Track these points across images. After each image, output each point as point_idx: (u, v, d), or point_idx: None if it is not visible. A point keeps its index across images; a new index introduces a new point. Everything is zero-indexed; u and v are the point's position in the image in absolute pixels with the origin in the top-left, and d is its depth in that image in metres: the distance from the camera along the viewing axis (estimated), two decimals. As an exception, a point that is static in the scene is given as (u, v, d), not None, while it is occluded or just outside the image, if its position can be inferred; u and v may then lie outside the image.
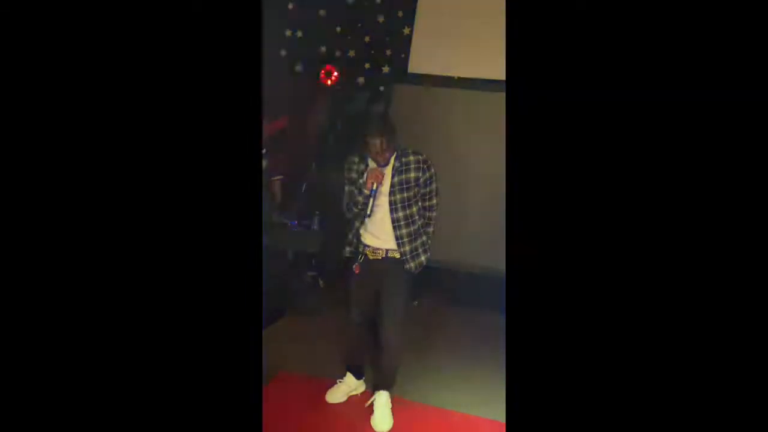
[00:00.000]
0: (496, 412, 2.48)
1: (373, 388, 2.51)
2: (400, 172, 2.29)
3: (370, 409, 2.41)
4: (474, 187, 4.05)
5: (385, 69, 4.51)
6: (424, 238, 2.41)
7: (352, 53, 4.58)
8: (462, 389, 2.75)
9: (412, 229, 2.36)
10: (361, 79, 4.55)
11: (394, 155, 2.31)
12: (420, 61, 4.39)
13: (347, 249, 2.48)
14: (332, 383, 2.56)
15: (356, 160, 2.40)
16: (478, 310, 4.01)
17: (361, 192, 2.31)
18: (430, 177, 2.36)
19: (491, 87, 4.16)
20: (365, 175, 2.30)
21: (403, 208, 2.31)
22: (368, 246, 2.38)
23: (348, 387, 2.56)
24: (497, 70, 4.21)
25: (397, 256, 2.36)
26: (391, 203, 2.29)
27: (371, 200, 2.27)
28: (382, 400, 2.41)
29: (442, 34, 4.33)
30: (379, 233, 2.36)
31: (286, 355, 2.77)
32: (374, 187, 2.26)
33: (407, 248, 2.35)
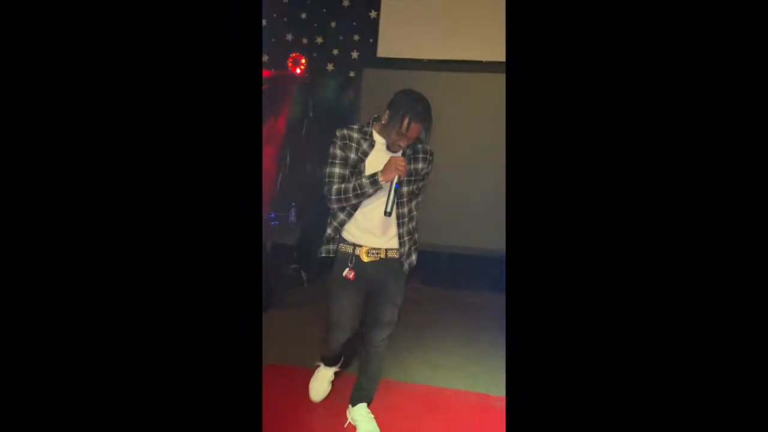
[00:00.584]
0: (488, 387, 2.54)
1: (352, 402, 2.17)
2: (409, 161, 1.91)
3: (351, 428, 2.13)
4: (453, 173, 4.06)
5: (354, 55, 4.46)
6: (416, 236, 2.08)
7: (319, 40, 4.51)
8: (451, 367, 2.78)
9: (411, 226, 2.03)
10: (330, 66, 4.49)
11: None
12: (389, 45, 4.35)
13: (324, 248, 2.02)
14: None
15: (355, 136, 1.93)
16: (458, 291, 4.06)
17: (375, 182, 1.85)
18: (429, 171, 2.01)
19: (469, 68, 4.17)
20: (382, 163, 1.84)
21: (408, 201, 1.98)
22: (360, 245, 1.97)
23: (327, 379, 2.33)
24: (469, 51, 4.22)
25: (396, 256, 2.00)
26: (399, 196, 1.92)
27: (392, 196, 1.82)
28: (363, 413, 2.12)
29: (409, 15, 4.29)
30: (378, 230, 1.96)
31: (274, 348, 2.74)
32: (397, 181, 1.82)
33: (407, 247, 2.02)
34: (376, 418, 2.12)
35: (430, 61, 4.28)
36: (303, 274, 3.94)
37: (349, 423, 2.13)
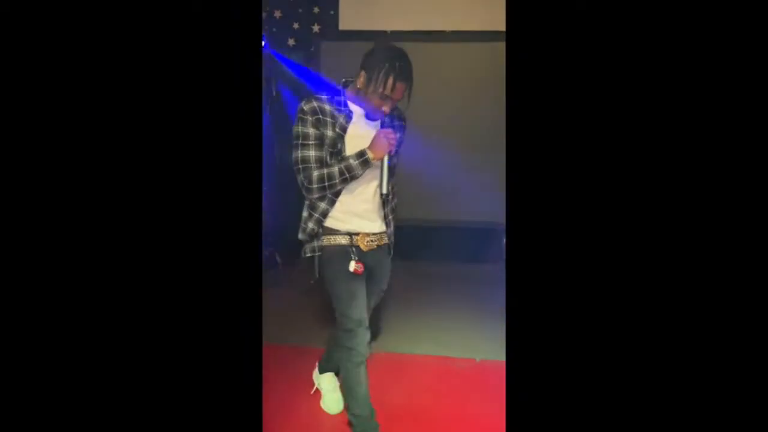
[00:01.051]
0: (454, 350, 2.57)
1: (320, 369, 2.07)
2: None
3: (318, 394, 2.07)
4: (435, 144, 4.03)
5: (315, 28, 4.32)
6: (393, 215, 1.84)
7: (278, 14, 4.35)
8: (416, 333, 2.83)
9: (394, 203, 1.79)
10: (291, 41, 4.35)
11: None
12: (351, 17, 4.23)
13: (308, 247, 1.70)
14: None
15: (327, 108, 1.58)
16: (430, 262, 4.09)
17: (365, 161, 1.57)
18: (402, 140, 1.75)
19: (436, 38, 4.10)
20: (365, 136, 1.60)
21: (392, 177, 1.69)
22: (356, 233, 1.68)
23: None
24: (434, 21, 4.15)
25: (387, 240, 1.78)
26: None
27: (386, 174, 1.58)
28: (330, 380, 2.02)
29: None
30: (371, 214, 1.70)
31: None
32: (389, 157, 1.58)
33: (392, 228, 1.78)
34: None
35: (393, 32, 4.19)
36: (277, 257, 3.89)
37: (316, 389, 2.08)
